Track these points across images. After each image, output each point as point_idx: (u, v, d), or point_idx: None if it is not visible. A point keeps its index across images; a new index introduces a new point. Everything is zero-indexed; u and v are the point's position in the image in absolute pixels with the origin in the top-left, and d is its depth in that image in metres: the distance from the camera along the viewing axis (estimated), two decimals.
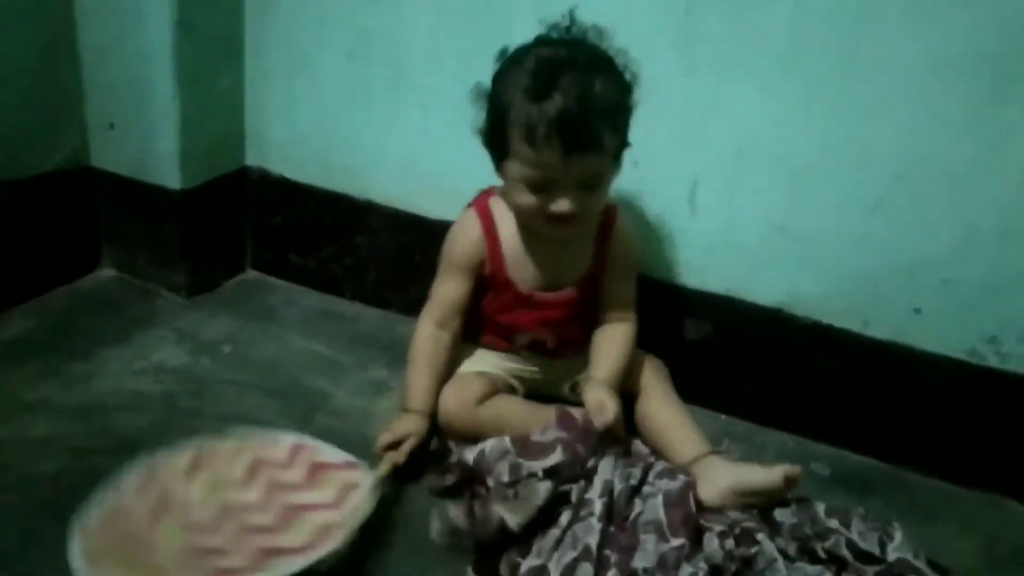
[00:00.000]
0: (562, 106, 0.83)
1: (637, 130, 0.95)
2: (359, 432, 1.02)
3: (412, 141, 1.21)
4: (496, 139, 0.91)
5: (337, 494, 0.86)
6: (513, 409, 1.01)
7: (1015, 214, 0.98)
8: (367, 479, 0.87)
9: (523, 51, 0.90)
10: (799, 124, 1.03)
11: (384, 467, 0.90)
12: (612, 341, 1.03)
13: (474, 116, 0.95)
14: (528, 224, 0.96)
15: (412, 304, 1.24)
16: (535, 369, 1.07)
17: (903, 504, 1.01)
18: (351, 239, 1.29)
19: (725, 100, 1.05)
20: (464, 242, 1.00)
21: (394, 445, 0.93)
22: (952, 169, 0.99)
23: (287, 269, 1.35)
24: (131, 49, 1.15)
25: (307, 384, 1.11)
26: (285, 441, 0.90)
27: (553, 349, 1.05)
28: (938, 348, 1.05)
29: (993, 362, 1.03)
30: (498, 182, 0.98)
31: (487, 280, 1.01)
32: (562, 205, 0.89)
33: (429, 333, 1.01)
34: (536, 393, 1.08)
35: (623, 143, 0.93)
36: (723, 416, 1.15)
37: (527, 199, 0.91)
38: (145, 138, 1.20)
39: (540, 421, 0.92)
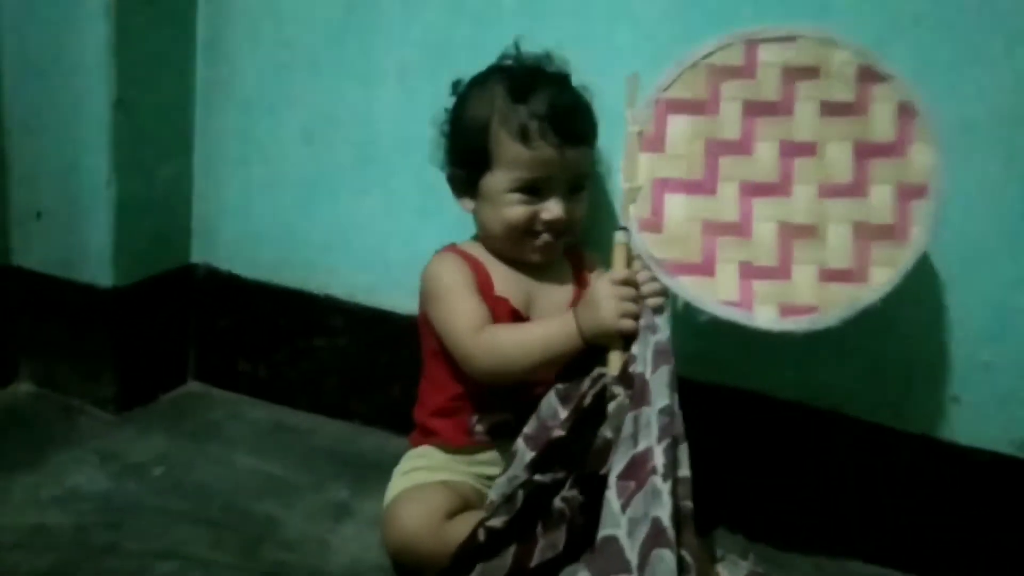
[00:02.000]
0: (552, 100, 0.86)
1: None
2: (315, 566, 0.85)
3: (377, 230, 1.11)
4: (473, 157, 0.89)
5: None
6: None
7: None
8: None
9: (483, 75, 0.91)
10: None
11: None
12: None
13: (433, 151, 0.93)
14: (509, 251, 0.91)
15: (378, 413, 1.12)
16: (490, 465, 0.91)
17: None
18: (308, 341, 1.15)
19: None
20: (450, 267, 0.90)
21: None
22: (982, 239, 0.90)
23: (235, 378, 1.20)
24: (62, 129, 1.04)
25: (252, 510, 0.94)
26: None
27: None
28: (981, 442, 0.93)
29: None
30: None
31: None
32: (554, 208, 0.87)
33: (486, 336, 0.85)
34: None
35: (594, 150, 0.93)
36: (740, 536, 0.99)
37: (516, 211, 0.88)
38: (74, 230, 1.07)
39: None
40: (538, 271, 0.92)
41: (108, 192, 1.04)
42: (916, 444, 0.94)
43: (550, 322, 0.85)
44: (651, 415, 0.76)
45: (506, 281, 0.91)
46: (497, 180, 0.87)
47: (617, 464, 0.76)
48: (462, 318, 0.87)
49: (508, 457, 0.85)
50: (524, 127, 0.85)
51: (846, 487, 0.97)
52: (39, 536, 0.86)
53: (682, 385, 0.98)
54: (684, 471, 0.76)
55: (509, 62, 0.91)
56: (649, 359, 0.79)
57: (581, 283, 0.95)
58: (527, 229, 0.89)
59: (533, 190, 0.87)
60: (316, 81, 1.08)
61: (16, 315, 1.12)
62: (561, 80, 0.89)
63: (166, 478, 0.99)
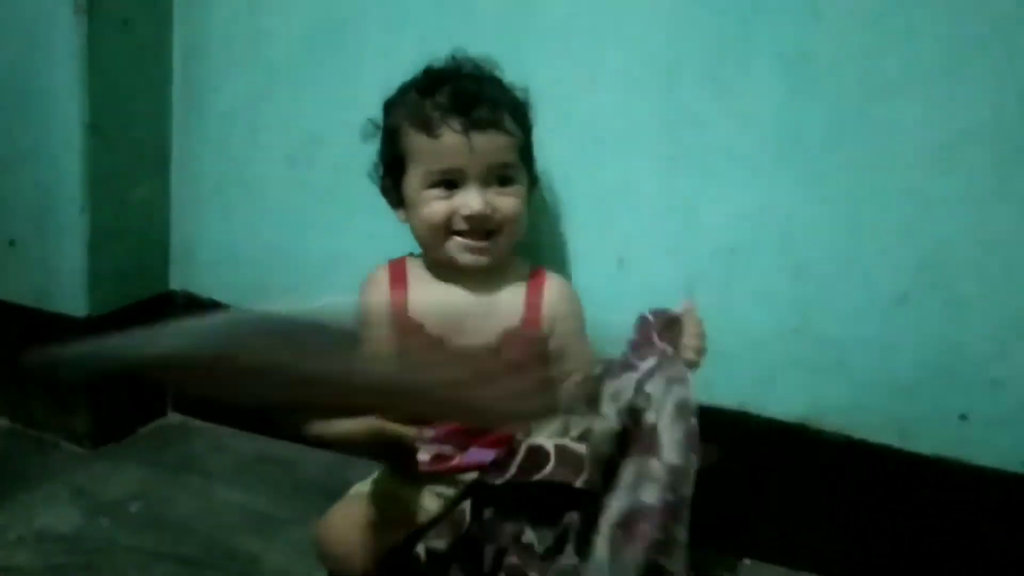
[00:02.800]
0: (454, 89, 0.83)
1: (619, 230, 0.87)
2: None
3: (361, 253, 1.06)
4: (391, 162, 0.87)
5: None
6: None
7: None
8: None
9: (409, 82, 0.89)
10: (800, 212, 0.92)
11: None
12: None
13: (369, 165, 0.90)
14: (439, 255, 0.86)
15: None
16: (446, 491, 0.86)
17: None
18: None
19: (714, 188, 0.94)
20: (368, 293, 0.89)
21: None
22: (984, 249, 0.87)
23: (215, 410, 1.15)
24: (35, 156, 1.01)
25: (232, 546, 0.91)
26: None
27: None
28: (992, 461, 0.89)
29: None
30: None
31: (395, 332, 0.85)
32: (472, 201, 0.82)
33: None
34: None
35: (527, 141, 0.88)
36: (746, 561, 0.95)
37: (433, 208, 0.84)
38: (47, 259, 1.04)
39: None
40: (481, 287, 0.86)
41: (82, 219, 1.01)
42: (924, 464, 0.91)
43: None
44: (660, 470, 0.71)
45: (428, 299, 0.86)
46: (412, 180, 0.85)
47: (612, 509, 0.70)
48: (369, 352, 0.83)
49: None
50: (426, 117, 0.82)
51: (853, 509, 0.94)
52: None
53: None
54: (682, 535, 0.71)
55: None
56: (669, 410, 0.73)
57: (532, 310, 0.87)
58: (447, 228, 0.84)
59: (448, 184, 0.83)
60: (296, 102, 1.06)
61: None
62: (476, 74, 0.86)
63: (142, 515, 0.95)
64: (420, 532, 0.76)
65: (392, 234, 1.05)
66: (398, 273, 0.89)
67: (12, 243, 1.05)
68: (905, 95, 0.86)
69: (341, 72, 1.04)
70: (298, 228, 1.09)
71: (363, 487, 0.87)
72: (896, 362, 0.91)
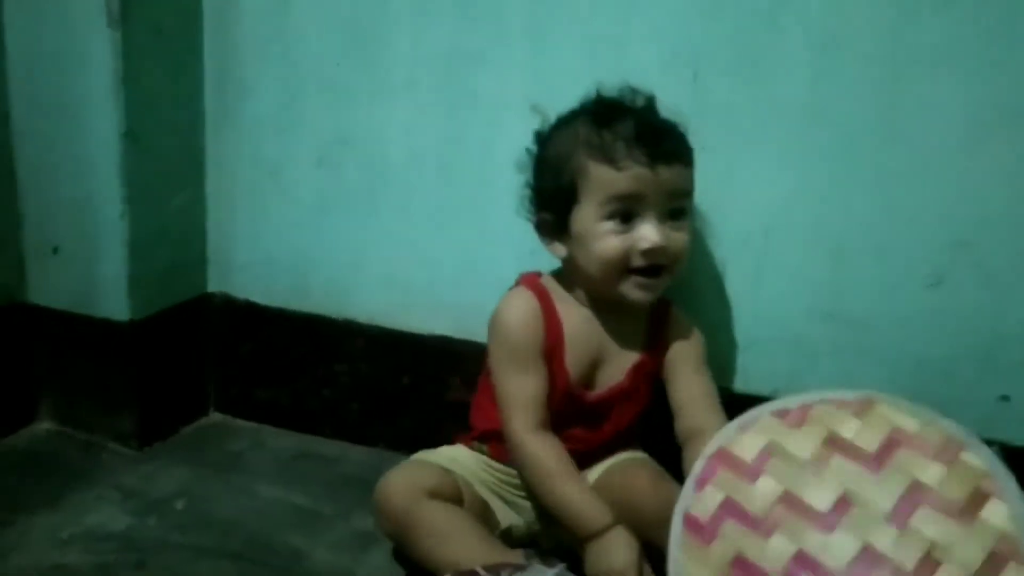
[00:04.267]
0: (637, 120, 0.82)
1: None
2: None
3: (393, 251, 1.08)
4: (559, 195, 0.83)
5: None
6: (467, 525, 0.81)
7: None
8: None
9: (566, 116, 0.86)
10: (833, 194, 0.91)
11: None
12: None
13: (520, 198, 0.89)
14: (602, 290, 0.84)
15: (403, 437, 1.09)
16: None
17: None
18: (329, 367, 1.13)
19: (744, 174, 0.93)
20: (524, 323, 0.85)
21: None
22: (1020, 230, 0.85)
23: (256, 408, 1.17)
24: (74, 164, 1.03)
25: (277, 542, 0.92)
26: None
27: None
28: None
29: None
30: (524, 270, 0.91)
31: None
32: (651, 234, 0.80)
33: (541, 444, 0.82)
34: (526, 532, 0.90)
35: (693, 175, 0.86)
36: None
37: (610, 243, 0.81)
38: (89, 264, 1.05)
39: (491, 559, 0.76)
40: (613, 327, 0.87)
41: (122, 224, 1.03)
42: None
43: (584, 502, 0.79)
44: None
45: (575, 344, 0.85)
46: (586, 213, 0.81)
47: None
48: (518, 397, 0.84)
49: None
50: (610, 149, 0.79)
51: None
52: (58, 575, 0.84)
53: (720, 396, 0.95)
54: None
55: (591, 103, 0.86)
56: None
57: (657, 347, 0.88)
58: (624, 265, 0.82)
59: (626, 217, 0.80)
60: (325, 102, 1.06)
61: (35, 352, 1.11)
62: (647, 105, 0.85)
63: (188, 512, 0.96)
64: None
65: (420, 235, 1.06)
66: (547, 304, 0.86)
67: (56, 250, 1.07)
68: (937, 73, 0.85)
69: (369, 73, 1.04)
70: (330, 227, 1.10)
71: (425, 455, 0.89)
72: (934, 344, 0.89)
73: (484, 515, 0.87)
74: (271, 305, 1.14)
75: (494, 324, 0.86)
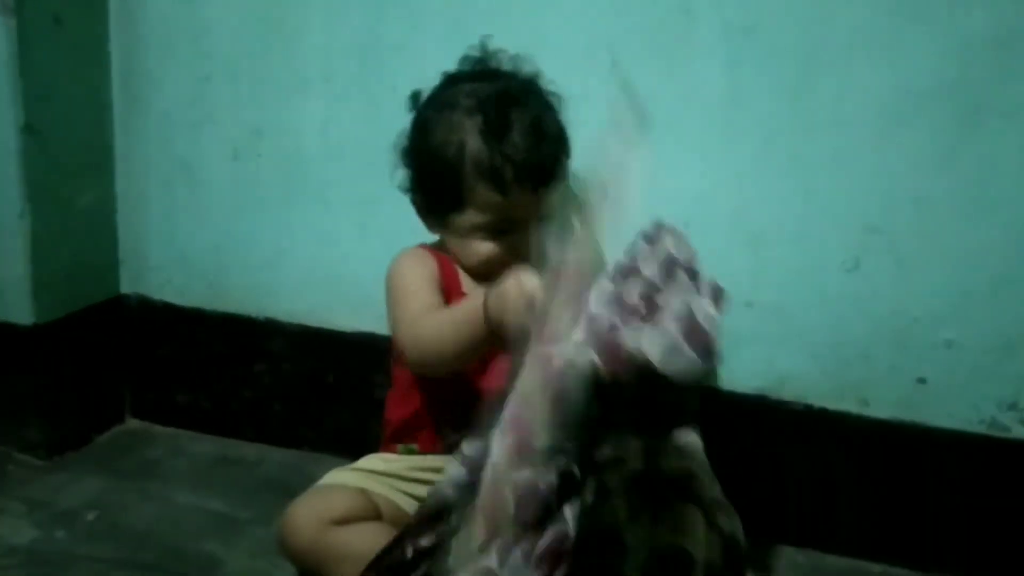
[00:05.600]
0: (525, 144, 0.79)
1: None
2: None
3: (314, 246, 1.06)
4: (444, 193, 0.82)
5: None
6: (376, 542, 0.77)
7: (1012, 255, 0.86)
8: None
9: (446, 92, 0.83)
10: (751, 182, 0.91)
11: None
12: None
13: (398, 175, 0.84)
14: (484, 271, 0.83)
15: (329, 438, 1.07)
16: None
17: None
18: (250, 367, 1.10)
19: (664, 163, 0.92)
20: (416, 262, 0.85)
21: None
22: (933, 214, 0.87)
23: (174, 413, 1.14)
24: None
25: (192, 550, 0.89)
26: None
27: None
28: (952, 423, 0.90)
29: (1019, 432, 0.88)
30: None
31: None
32: (527, 245, 0.77)
33: (424, 318, 0.79)
34: None
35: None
36: None
37: (486, 248, 0.82)
38: None
39: None
40: None
41: (22, 224, 0.98)
42: (883, 429, 0.91)
43: (463, 303, 0.78)
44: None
45: (474, 286, 0.84)
46: (467, 218, 0.81)
47: None
48: (407, 312, 0.81)
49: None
50: (499, 174, 0.78)
51: (815, 477, 0.94)
52: None
53: None
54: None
55: (474, 82, 0.82)
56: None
57: None
58: (500, 265, 0.81)
59: (504, 230, 0.82)
60: (239, 95, 1.04)
61: None
62: (532, 102, 0.81)
63: (99, 523, 0.93)
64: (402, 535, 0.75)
65: (339, 228, 1.04)
66: (437, 254, 0.85)
67: None
68: (850, 61, 0.86)
69: (283, 64, 1.02)
70: (247, 225, 1.07)
71: (330, 478, 0.85)
72: (851, 329, 0.91)
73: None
74: (188, 305, 1.11)
75: (387, 277, 0.85)
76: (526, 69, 0.83)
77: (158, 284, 1.12)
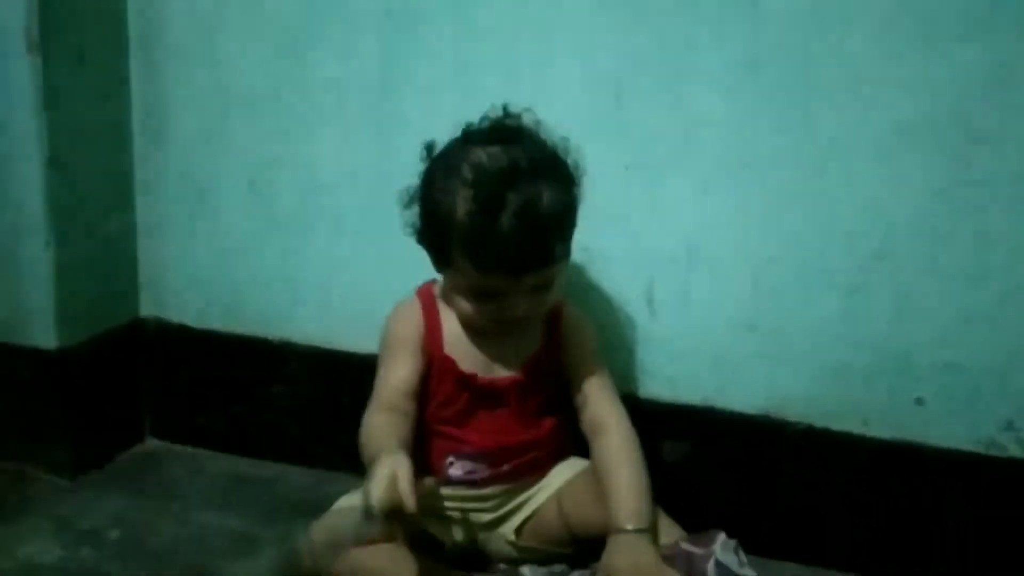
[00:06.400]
0: (510, 231, 0.78)
1: (583, 232, 0.87)
2: None
3: (328, 271, 1.09)
4: (436, 249, 0.86)
5: None
6: (398, 566, 0.80)
7: (1009, 279, 0.88)
8: None
9: (455, 151, 0.84)
10: (752, 213, 0.94)
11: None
12: (618, 458, 0.86)
13: (406, 217, 0.88)
14: (470, 324, 0.88)
15: (344, 456, 1.08)
16: (469, 502, 0.90)
17: None
18: (267, 389, 1.13)
19: (668, 194, 0.96)
20: (403, 320, 0.90)
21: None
22: (931, 239, 0.89)
23: (193, 433, 1.17)
24: (2, 191, 1.02)
25: (214, 568, 0.92)
26: None
27: (493, 473, 0.89)
28: (951, 442, 0.92)
29: (1016, 452, 0.90)
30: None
31: (428, 367, 0.89)
32: (512, 311, 0.84)
33: (375, 417, 0.84)
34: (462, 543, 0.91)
35: (571, 242, 0.87)
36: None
37: (468, 307, 0.86)
38: (15, 294, 1.04)
39: None
40: (504, 333, 0.88)
41: (47, 253, 1.02)
42: (884, 449, 0.93)
43: (385, 451, 0.77)
44: None
45: (460, 338, 0.88)
46: (453, 277, 0.85)
47: None
48: (378, 389, 0.88)
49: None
50: (478, 254, 0.79)
51: (818, 496, 0.96)
52: None
53: (651, 406, 0.98)
54: None
55: (481, 143, 0.83)
56: None
57: (552, 344, 0.91)
58: (488, 323, 0.86)
59: (487, 297, 0.84)
60: (255, 126, 1.07)
61: None
62: (536, 179, 0.80)
63: (123, 542, 0.96)
64: None
65: (353, 254, 1.07)
66: (429, 307, 0.90)
67: None
68: (847, 96, 0.88)
69: (298, 95, 1.05)
70: (263, 250, 1.10)
71: (346, 501, 0.89)
72: (852, 351, 0.93)
73: (422, 540, 0.86)
74: (206, 328, 1.14)
75: (384, 326, 0.91)
76: (548, 136, 0.84)
77: (177, 308, 1.15)
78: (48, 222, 1.01)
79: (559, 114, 0.89)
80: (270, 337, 1.12)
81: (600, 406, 0.90)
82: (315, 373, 1.11)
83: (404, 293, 1.04)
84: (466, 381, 0.88)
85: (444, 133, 0.96)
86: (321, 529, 0.85)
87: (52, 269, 1.02)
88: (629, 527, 0.81)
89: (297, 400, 1.12)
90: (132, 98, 1.10)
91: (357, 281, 1.07)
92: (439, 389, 0.89)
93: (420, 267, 1.02)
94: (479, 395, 0.89)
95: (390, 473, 0.72)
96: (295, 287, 1.10)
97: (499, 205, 0.77)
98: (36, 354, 1.05)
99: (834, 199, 0.91)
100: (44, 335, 1.04)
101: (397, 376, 0.87)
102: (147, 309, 1.16)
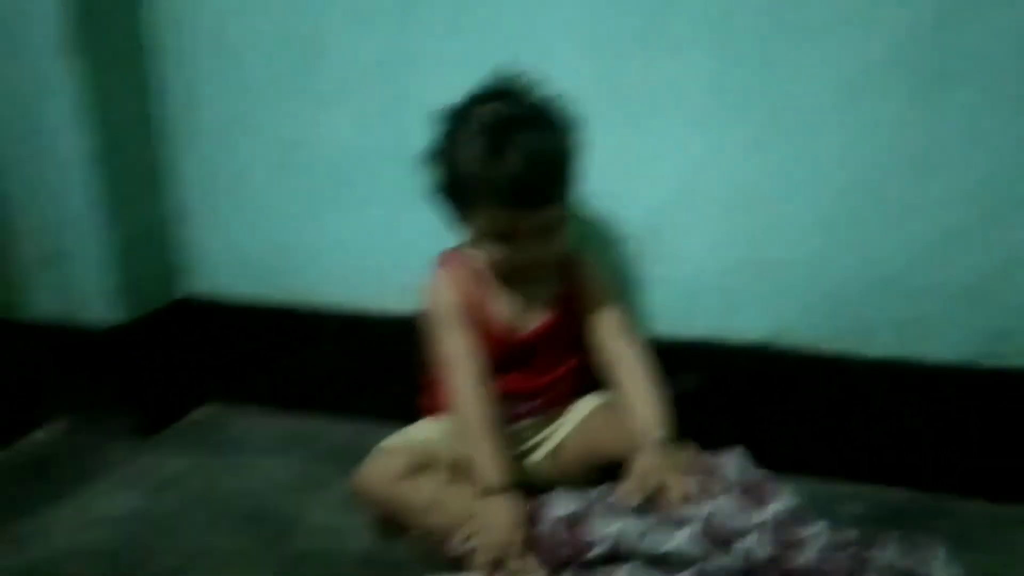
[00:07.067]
0: (516, 170, 0.86)
1: (589, 179, 0.94)
2: (337, 551, 0.94)
3: (355, 240, 1.17)
4: (458, 198, 0.93)
5: None
6: (444, 491, 0.91)
7: (981, 202, 0.94)
8: None
9: (465, 110, 0.92)
10: (739, 154, 1.00)
11: None
12: (638, 382, 0.95)
13: (428, 176, 0.94)
14: (498, 268, 0.95)
15: (385, 409, 1.17)
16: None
17: (950, 531, 0.88)
18: (309, 352, 1.22)
19: (662, 142, 1.02)
20: (447, 291, 0.96)
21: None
22: (907, 170, 0.95)
23: (246, 395, 1.27)
24: (48, 186, 1.12)
25: (279, 508, 1.03)
26: None
27: (526, 409, 0.98)
28: (944, 355, 0.98)
29: (1006, 359, 0.96)
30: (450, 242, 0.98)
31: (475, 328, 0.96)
32: (530, 251, 0.91)
33: (474, 398, 0.92)
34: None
35: (572, 185, 0.94)
36: None
37: (495, 251, 0.92)
38: (74, 278, 1.14)
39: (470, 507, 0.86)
40: (530, 277, 0.95)
41: (100, 238, 1.12)
42: (876, 367, 1.00)
43: (487, 459, 0.89)
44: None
45: (496, 298, 0.96)
46: (473, 224, 0.92)
47: None
48: (454, 357, 0.94)
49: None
50: (497, 191, 0.87)
51: (820, 413, 1.03)
52: (89, 550, 0.95)
53: (658, 342, 1.04)
54: None
55: (492, 102, 0.90)
56: None
57: (572, 286, 0.98)
58: (508, 265, 0.93)
59: (507, 236, 0.90)
60: (276, 111, 1.15)
61: (34, 364, 1.20)
62: (537, 128, 0.89)
63: (196, 489, 1.07)
64: None
65: (379, 217, 1.14)
66: (465, 275, 0.96)
67: (41, 266, 1.16)
68: (813, 43, 0.93)
69: (310, 75, 1.12)
70: (295, 225, 1.19)
71: (393, 440, 0.98)
72: (844, 277, 0.99)
73: (462, 474, 0.94)
74: (247, 301, 1.23)
75: (426, 299, 0.97)
76: (545, 91, 0.91)
77: (222, 283, 1.24)
78: (95, 211, 1.11)
79: (560, 73, 0.95)
80: (306, 304, 1.21)
81: (618, 341, 0.98)
82: (350, 335, 1.20)
83: (427, 255, 1.12)
84: (509, 340, 0.96)
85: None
86: (374, 465, 0.94)
87: (106, 253, 1.12)
88: (657, 434, 0.90)
89: (337, 360, 1.21)
90: (163, 92, 1.18)
91: (384, 248, 1.15)
92: (483, 346, 0.96)
93: (433, 233, 1.10)
94: (519, 349, 0.97)
95: (497, 553, 0.82)
96: (327, 257, 1.19)
97: (506, 147, 0.86)
98: (100, 332, 1.15)
99: (818, 137, 0.97)
100: (96, 317, 1.14)
101: (468, 342, 0.94)
102: (192, 285, 1.25)
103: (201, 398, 1.29)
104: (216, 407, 1.29)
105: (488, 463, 0.88)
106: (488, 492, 0.87)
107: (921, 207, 0.95)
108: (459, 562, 0.84)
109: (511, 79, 0.93)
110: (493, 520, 0.84)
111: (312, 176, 1.16)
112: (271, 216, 1.19)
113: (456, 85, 0.92)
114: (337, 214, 1.16)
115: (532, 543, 0.84)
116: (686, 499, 0.84)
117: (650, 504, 0.85)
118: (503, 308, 0.96)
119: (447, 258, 0.99)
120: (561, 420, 1.01)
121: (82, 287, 1.15)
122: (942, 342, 0.98)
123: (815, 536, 0.78)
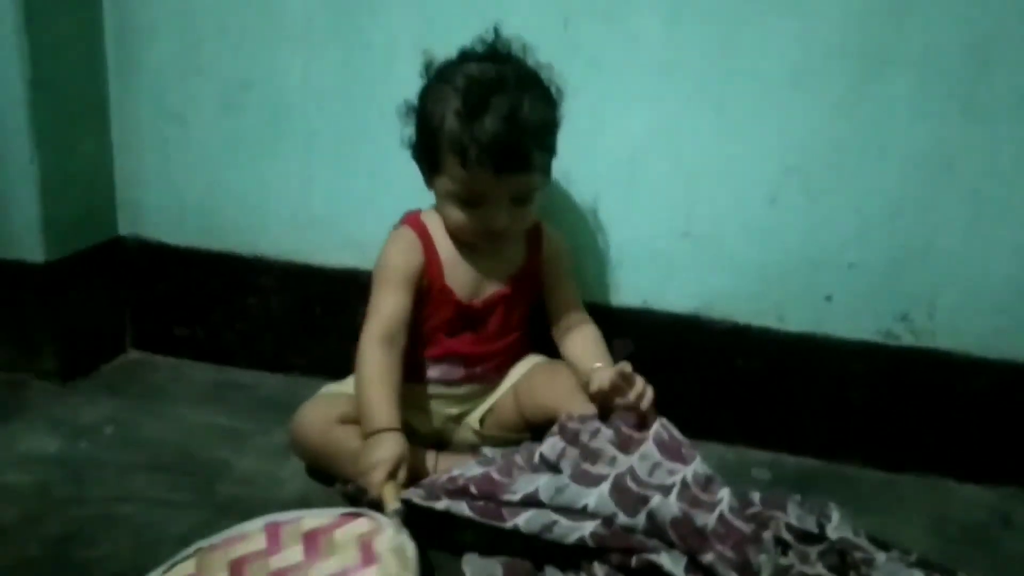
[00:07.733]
0: (493, 129, 0.85)
1: None
2: (269, 497, 0.92)
3: (298, 189, 1.16)
4: (427, 156, 0.92)
5: (356, 552, 0.75)
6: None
7: (902, 190, 1.01)
8: (383, 521, 0.78)
9: (450, 67, 0.92)
10: (687, 127, 1.04)
11: (392, 502, 0.80)
12: (587, 341, 1.00)
13: (404, 131, 0.95)
14: (460, 236, 0.96)
15: (317, 364, 1.18)
16: (442, 397, 1.01)
17: (848, 497, 0.96)
18: (242, 301, 1.21)
19: (611, 111, 1.05)
20: (402, 252, 0.96)
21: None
22: (839, 154, 1.01)
23: (173, 343, 1.24)
24: None
25: (204, 456, 1.01)
26: (254, 527, 0.79)
27: (467, 374, 1.00)
28: (854, 333, 1.05)
29: (908, 340, 1.04)
30: (420, 203, 0.98)
31: (424, 294, 0.97)
32: (495, 221, 0.91)
33: (376, 352, 0.92)
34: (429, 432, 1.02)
35: (551, 157, 0.95)
36: None
37: (457, 216, 0.92)
38: (3, 208, 1.09)
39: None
40: (491, 248, 0.96)
41: (32, 169, 1.07)
42: (798, 341, 1.06)
43: (377, 404, 0.88)
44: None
45: (455, 267, 0.96)
46: (443, 184, 0.92)
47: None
48: (377, 315, 0.94)
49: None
50: (463, 151, 0.86)
51: (740, 383, 1.09)
52: (3, 492, 0.90)
53: (595, 310, 1.08)
54: None
55: (475, 60, 0.91)
56: None
57: (533, 259, 1.00)
58: (472, 234, 0.93)
59: (473, 203, 0.91)
60: (226, 48, 1.12)
61: None
62: (520, 92, 0.87)
63: (117, 436, 1.04)
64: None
65: (322, 173, 1.14)
66: (425, 237, 0.96)
67: None
68: (768, 17, 0.98)
69: (266, 18, 1.10)
70: (236, 169, 1.17)
71: (330, 389, 0.99)
72: (770, 255, 1.05)
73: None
74: (182, 245, 1.20)
75: (380, 255, 0.97)
76: (534, 59, 0.93)
77: (154, 225, 1.21)
78: (31, 139, 1.06)
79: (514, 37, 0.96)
80: (244, 252, 1.19)
81: (573, 315, 1.03)
82: (287, 286, 1.19)
83: (372, 209, 1.12)
84: (462, 308, 0.97)
85: (403, 57, 1.04)
86: (313, 408, 0.95)
87: (37, 185, 1.07)
88: (598, 364, 0.95)
89: (271, 311, 1.20)
90: (106, 21, 1.14)
91: (327, 199, 1.15)
92: (435, 313, 0.97)
93: (390, 183, 1.11)
94: (471, 316, 0.98)
95: (390, 468, 0.83)
96: (267, 204, 1.17)
97: (485, 108, 0.85)
98: (24, 267, 1.11)
99: (755, 118, 1.01)
100: (31, 249, 1.10)
101: (397, 304, 0.94)
102: (126, 227, 1.22)
103: (123, 345, 1.25)
104: (145, 353, 1.25)
105: (376, 408, 0.88)
106: (373, 432, 0.87)
107: (855, 188, 1.01)
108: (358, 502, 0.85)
109: (502, 43, 0.93)
110: (377, 454, 0.84)
111: (258, 119, 1.14)
112: (215, 158, 1.17)
113: (413, 27, 0.93)
114: (280, 159, 1.15)
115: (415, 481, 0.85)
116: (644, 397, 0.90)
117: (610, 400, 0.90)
118: (459, 275, 0.97)
119: (409, 218, 0.99)
120: (502, 384, 1.03)
121: (12, 221, 1.10)
122: (852, 322, 1.04)
123: (719, 501, 0.81)
